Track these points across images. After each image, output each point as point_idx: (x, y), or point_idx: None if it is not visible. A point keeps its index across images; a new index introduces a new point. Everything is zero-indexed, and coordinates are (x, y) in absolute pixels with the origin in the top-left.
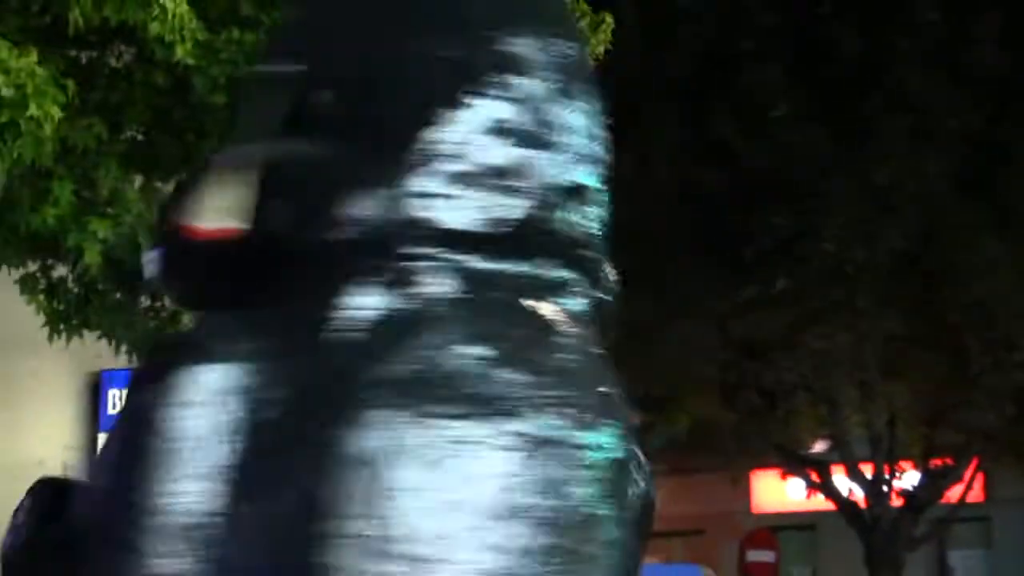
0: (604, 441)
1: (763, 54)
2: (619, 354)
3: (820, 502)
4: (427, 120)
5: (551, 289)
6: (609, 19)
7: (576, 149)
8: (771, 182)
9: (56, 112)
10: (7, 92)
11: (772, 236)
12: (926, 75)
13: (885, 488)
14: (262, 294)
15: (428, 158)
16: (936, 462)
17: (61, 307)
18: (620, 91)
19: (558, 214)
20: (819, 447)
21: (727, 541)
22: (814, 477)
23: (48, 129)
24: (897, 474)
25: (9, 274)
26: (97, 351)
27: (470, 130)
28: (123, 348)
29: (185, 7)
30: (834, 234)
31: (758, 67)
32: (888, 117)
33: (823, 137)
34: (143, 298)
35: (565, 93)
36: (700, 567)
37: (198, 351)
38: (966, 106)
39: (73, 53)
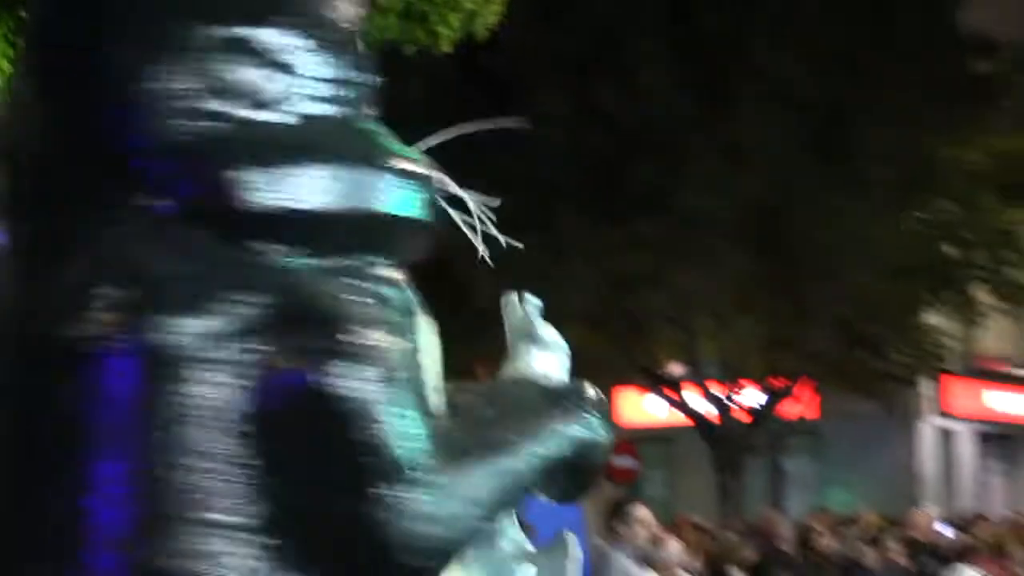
0: None
1: (639, 29)
2: (512, 286)
3: (677, 417)
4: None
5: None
6: None
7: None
8: (642, 141)
9: (7, 67)
10: None
11: (641, 187)
12: (776, 48)
13: (732, 405)
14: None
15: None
16: (776, 383)
17: None
18: (514, 61)
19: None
20: (676, 369)
21: None
22: (672, 395)
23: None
24: (742, 393)
25: None
26: None
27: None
28: None
29: None
30: (693, 186)
31: (633, 40)
32: (743, 85)
33: (687, 102)
34: None
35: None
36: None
37: None
38: (812, 75)
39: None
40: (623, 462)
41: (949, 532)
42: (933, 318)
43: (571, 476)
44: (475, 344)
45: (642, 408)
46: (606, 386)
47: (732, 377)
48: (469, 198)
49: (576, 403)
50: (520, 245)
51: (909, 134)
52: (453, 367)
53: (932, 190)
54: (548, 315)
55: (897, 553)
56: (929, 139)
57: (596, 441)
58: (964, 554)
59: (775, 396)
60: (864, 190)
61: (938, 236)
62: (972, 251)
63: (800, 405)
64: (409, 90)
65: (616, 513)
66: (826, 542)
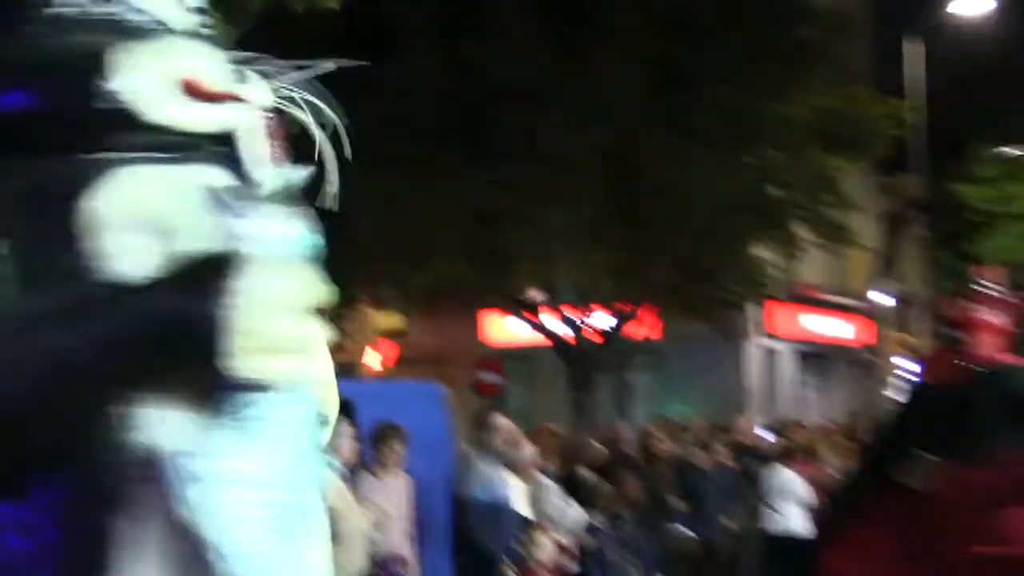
0: None
1: None
2: (389, 224)
3: (537, 338)
4: None
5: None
6: None
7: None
8: (507, 91)
9: None
10: None
11: (505, 133)
12: (626, 9)
13: (584, 327)
14: None
15: None
16: (623, 308)
17: None
18: (391, 17)
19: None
20: (536, 295)
21: (465, 367)
22: (532, 318)
23: None
24: (594, 317)
25: None
26: None
27: None
28: None
29: None
30: (552, 132)
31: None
32: (598, 42)
33: (547, 56)
34: None
35: None
36: (437, 384)
37: None
38: (658, 36)
39: None
40: (489, 377)
41: (770, 437)
42: (759, 251)
43: (174, 361)
44: (357, 276)
45: (506, 329)
46: (473, 310)
47: (585, 302)
48: (319, 133)
49: (192, 273)
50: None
51: (743, 90)
52: (338, 299)
53: (761, 140)
54: (422, 248)
55: (724, 455)
56: (760, 95)
57: (194, 311)
58: (782, 455)
59: (622, 319)
60: (701, 139)
61: (766, 180)
62: (794, 193)
63: (644, 328)
64: (296, 44)
65: (480, 422)
66: (663, 446)
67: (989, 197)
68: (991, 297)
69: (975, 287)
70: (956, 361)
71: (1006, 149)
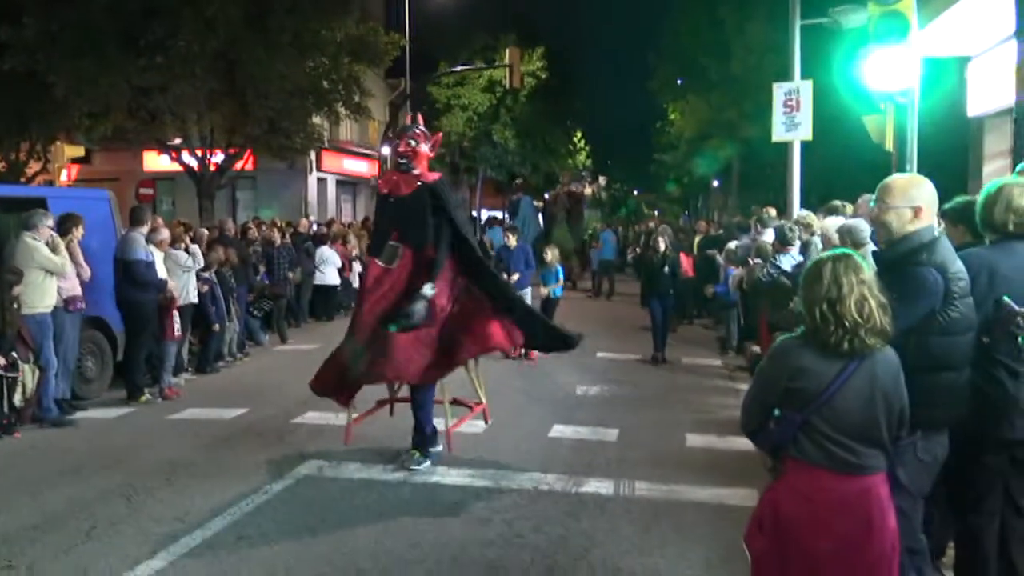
0: None
1: None
2: (80, 93)
3: (177, 168)
4: None
5: None
6: None
7: None
8: (156, 8)
9: None
10: None
11: (155, 36)
12: None
13: (207, 161)
14: None
15: None
16: (232, 150)
17: None
18: None
19: None
20: (177, 140)
21: (131, 185)
22: (175, 155)
23: None
24: (214, 155)
25: None
26: None
27: None
28: None
29: None
30: (184, 38)
31: None
32: None
33: None
34: None
35: None
36: (106, 191)
37: None
38: None
39: None
40: (147, 191)
41: (318, 227)
42: (315, 118)
43: None
44: (56, 124)
45: (159, 162)
46: (138, 149)
47: (208, 145)
48: None
49: None
50: None
51: (305, 21)
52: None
53: (316, 52)
54: (102, 108)
55: (290, 238)
56: (314, 24)
57: None
58: (325, 239)
59: (231, 157)
60: (280, 49)
61: (319, 77)
62: (336, 85)
63: (246, 162)
64: None
65: (134, 215)
66: (254, 233)
67: (446, 95)
68: (423, 135)
69: (415, 129)
70: (404, 178)
71: (457, 68)
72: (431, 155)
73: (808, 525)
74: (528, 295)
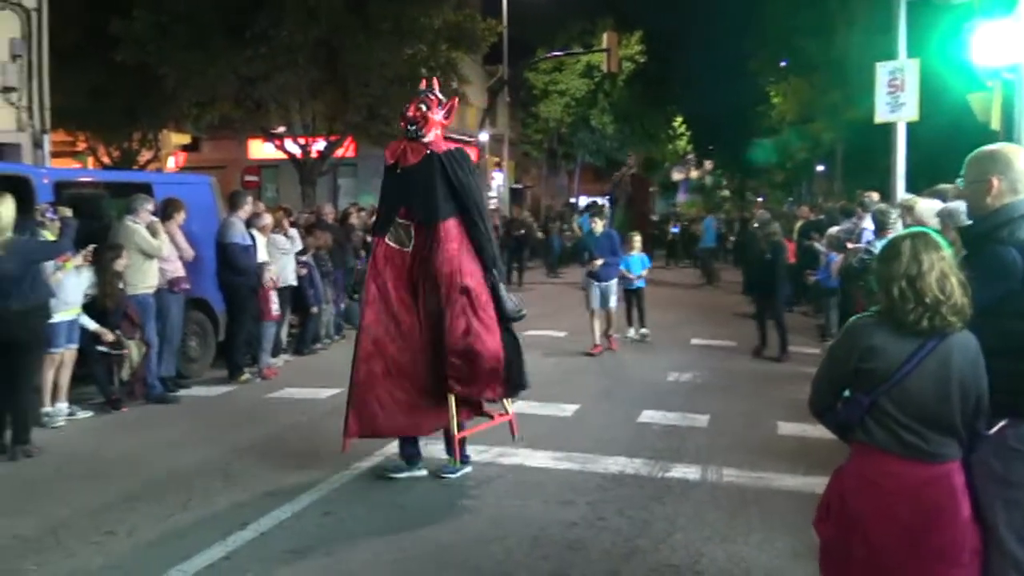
0: None
1: None
2: (188, 83)
3: (281, 156)
4: None
5: None
6: None
7: None
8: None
9: None
10: None
11: (260, 27)
12: None
13: (310, 149)
14: None
15: None
16: (333, 137)
17: None
18: None
19: None
20: (280, 128)
21: (236, 172)
22: (278, 143)
23: None
24: (315, 142)
25: None
26: None
27: None
28: None
29: None
30: (288, 28)
31: None
32: None
33: None
34: None
35: None
36: (209, 177)
37: None
38: None
39: None
40: (251, 178)
41: None
42: None
43: None
44: (165, 113)
45: (263, 150)
46: (242, 137)
47: (310, 133)
48: None
49: None
50: None
51: (404, 8)
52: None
53: (414, 39)
54: (208, 98)
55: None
56: (413, 11)
57: None
58: None
59: (332, 145)
60: (380, 37)
61: (417, 63)
62: (434, 71)
63: (346, 149)
64: None
65: (232, 199)
66: (354, 219)
67: (544, 81)
68: (436, 100)
69: (428, 93)
70: (412, 146)
71: (554, 53)
72: (445, 123)
73: (874, 512)
74: (614, 286)
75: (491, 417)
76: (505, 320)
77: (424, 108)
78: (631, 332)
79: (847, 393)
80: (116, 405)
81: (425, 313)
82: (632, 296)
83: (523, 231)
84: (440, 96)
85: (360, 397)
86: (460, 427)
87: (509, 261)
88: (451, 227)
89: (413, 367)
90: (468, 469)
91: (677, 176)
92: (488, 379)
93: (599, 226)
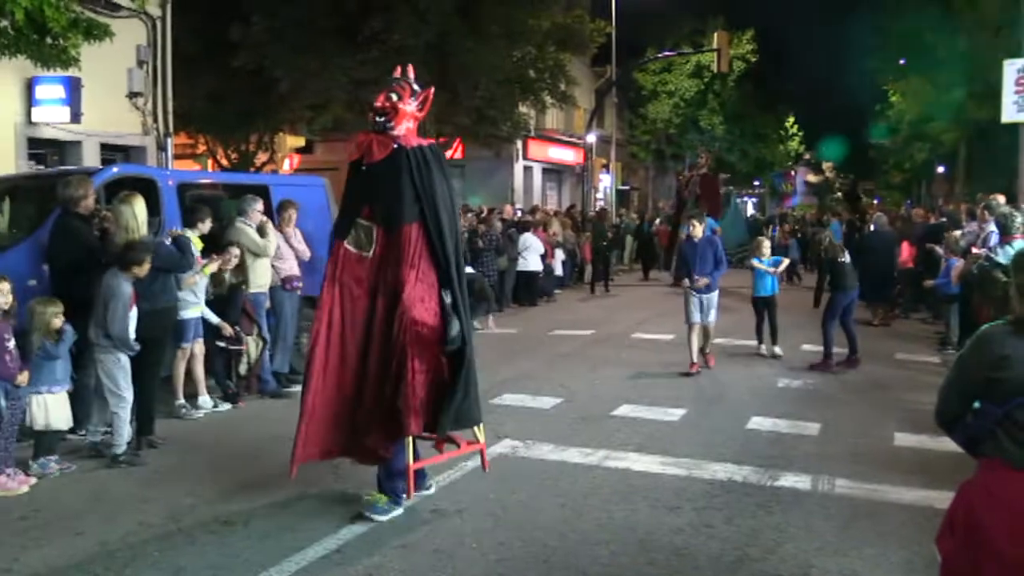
0: None
1: None
2: (302, 87)
3: None
4: None
5: None
6: None
7: None
8: (371, 4)
9: None
10: None
11: (370, 31)
12: None
13: None
14: None
15: None
16: (443, 140)
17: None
18: None
19: None
20: None
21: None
22: None
23: None
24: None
25: None
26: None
27: None
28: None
29: None
30: (399, 31)
31: None
32: None
33: None
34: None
35: None
36: (321, 178)
37: None
38: None
39: None
40: None
41: (522, 215)
42: (522, 107)
43: None
44: (281, 118)
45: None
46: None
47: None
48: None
49: None
50: None
51: (512, 10)
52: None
53: (522, 41)
54: (321, 101)
55: (498, 223)
56: (521, 13)
57: None
58: (528, 225)
59: (441, 146)
60: (488, 39)
61: (525, 66)
62: (542, 74)
63: (455, 151)
64: None
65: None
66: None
67: (652, 81)
68: (408, 89)
69: (399, 81)
70: (379, 139)
71: (664, 53)
72: (419, 116)
73: (1005, 531)
74: (715, 297)
75: (458, 445)
76: (444, 344)
77: (395, 98)
78: (762, 348)
79: (977, 404)
80: (233, 399)
81: (378, 329)
82: (763, 306)
83: (610, 235)
84: (414, 85)
85: (307, 418)
86: (416, 456)
87: (595, 263)
88: (415, 233)
89: (358, 389)
90: (399, 511)
91: (813, 179)
92: (412, 411)
93: (698, 230)
